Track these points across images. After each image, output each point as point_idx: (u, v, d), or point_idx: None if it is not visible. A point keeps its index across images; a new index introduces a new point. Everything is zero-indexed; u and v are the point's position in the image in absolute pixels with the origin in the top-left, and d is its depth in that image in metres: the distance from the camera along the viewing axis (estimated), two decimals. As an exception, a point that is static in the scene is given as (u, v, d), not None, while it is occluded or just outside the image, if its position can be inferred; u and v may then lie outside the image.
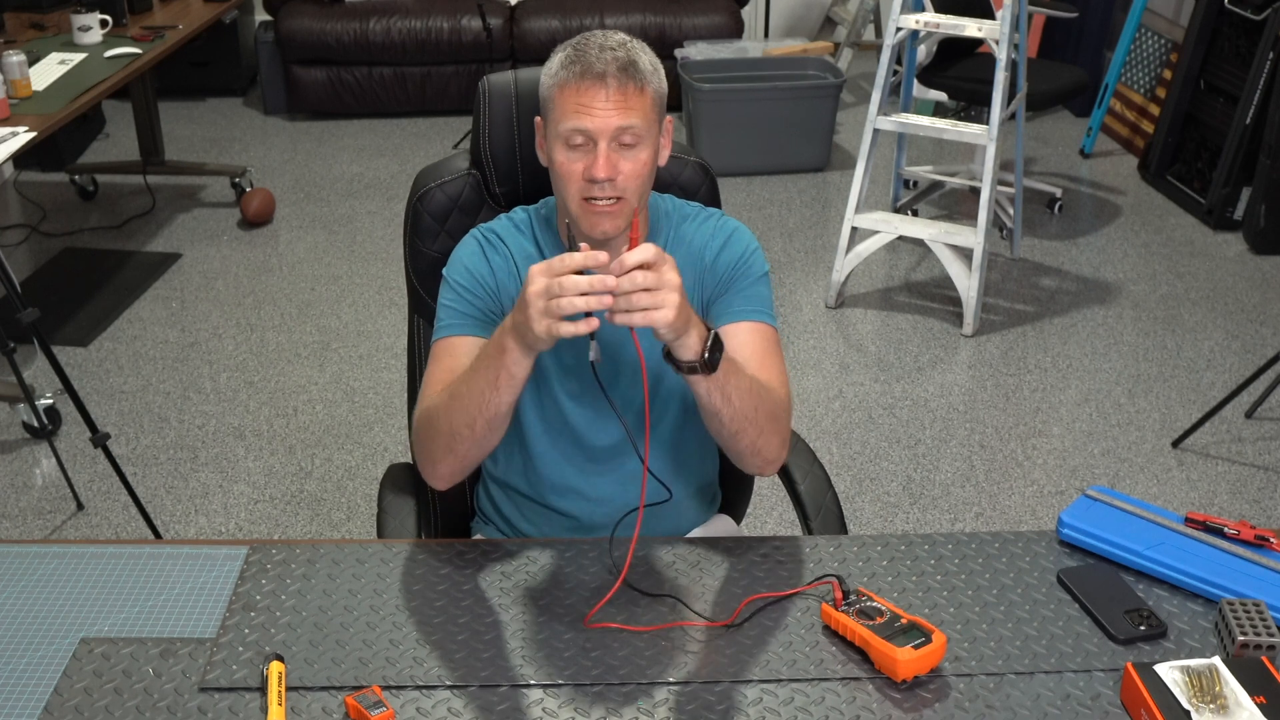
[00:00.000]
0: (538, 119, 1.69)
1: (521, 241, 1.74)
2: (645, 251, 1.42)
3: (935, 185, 4.97)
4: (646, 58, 1.63)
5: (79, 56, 3.93)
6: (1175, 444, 3.43)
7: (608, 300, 1.41)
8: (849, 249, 4.13)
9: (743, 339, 1.72)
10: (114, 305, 4.17)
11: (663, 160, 1.69)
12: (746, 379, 1.61)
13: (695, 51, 5.55)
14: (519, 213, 1.78)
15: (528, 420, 1.78)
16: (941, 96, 5.47)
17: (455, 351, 1.69)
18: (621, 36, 1.63)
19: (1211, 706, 1.32)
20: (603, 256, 1.43)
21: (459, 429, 1.61)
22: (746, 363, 1.69)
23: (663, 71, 1.66)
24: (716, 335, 1.54)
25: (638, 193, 1.62)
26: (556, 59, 1.62)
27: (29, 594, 1.55)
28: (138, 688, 1.40)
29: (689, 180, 1.91)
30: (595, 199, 1.60)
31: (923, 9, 4.22)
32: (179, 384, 3.71)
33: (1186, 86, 5.02)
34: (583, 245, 1.45)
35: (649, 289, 1.42)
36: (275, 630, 1.49)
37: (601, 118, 1.57)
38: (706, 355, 1.52)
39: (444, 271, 1.75)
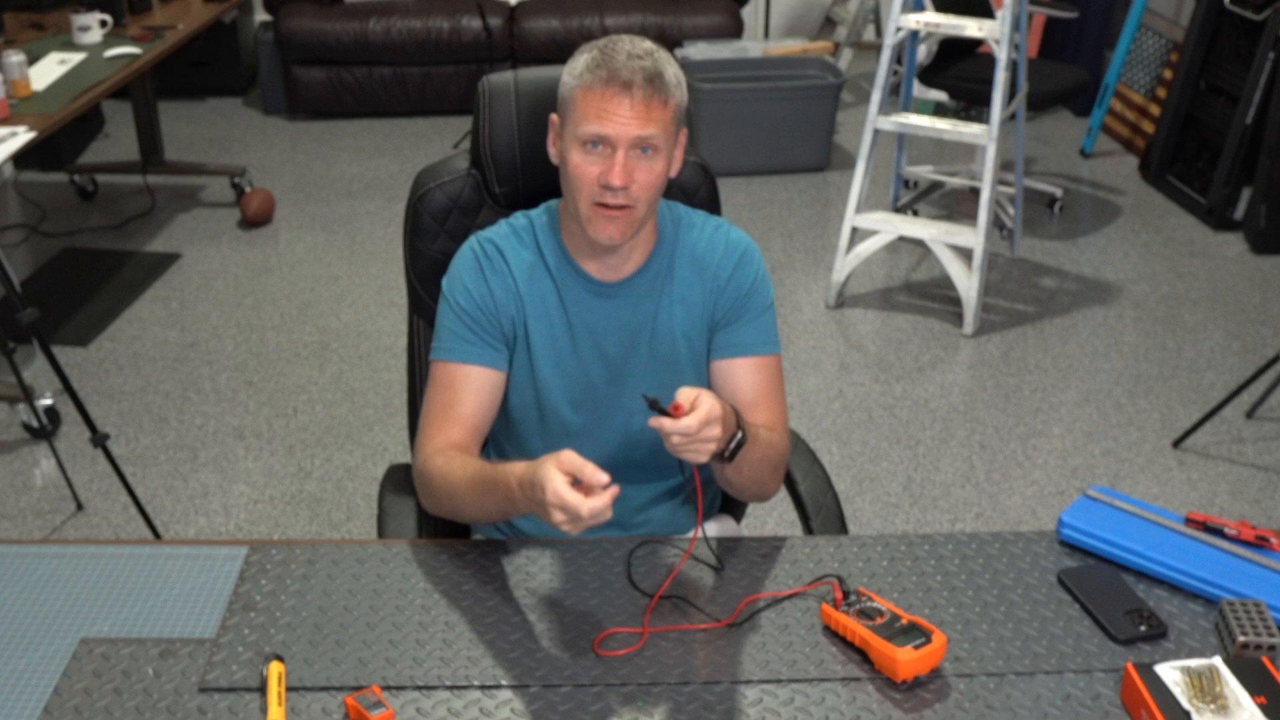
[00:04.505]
0: (553, 116, 1.68)
1: (521, 252, 1.73)
2: (687, 425, 1.45)
3: (935, 185, 4.97)
4: (671, 70, 1.62)
5: (79, 56, 3.93)
6: (1175, 444, 3.43)
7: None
8: (849, 249, 4.13)
9: (750, 378, 1.75)
10: (114, 305, 4.17)
11: (674, 172, 1.69)
12: (759, 450, 1.65)
13: (695, 51, 5.55)
14: (519, 218, 1.77)
15: (526, 424, 1.78)
16: (942, 96, 5.47)
17: (454, 383, 1.71)
18: (649, 45, 1.62)
19: (1212, 707, 1.32)
20: (606, 499, 1.42)
21: (460, 515, 1.69)
22: (753, 404, 1.74)
23: (685, 84, 1.65)
24: (743, 438, 1.58)
25: (648, 203, 1.62)
26: (582, 60, 1.61)
27: (29, 594, 1.55)
28: (138, 688, 1.40)
29: (689, 180, 1.90)
30: (606, 204, 1.60)
31: (923, 9, 4.22)
32: (179, 384, 3.71)
33: (1187, 86, 5.02)
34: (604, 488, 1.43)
35: (692, 445, 1.47)
36: (275, 630, 1.49)
37: (623, 125, 1.57)
38: (728, 454, 1.57)
39: (443, 284, 1.74)
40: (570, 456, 1.42)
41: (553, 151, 1.69)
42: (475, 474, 1.60)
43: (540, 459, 1.45)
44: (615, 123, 1.57)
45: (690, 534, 1.81)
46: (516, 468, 1.51)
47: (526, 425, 1.78)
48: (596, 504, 1.39)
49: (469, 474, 1.61)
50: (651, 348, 1.74)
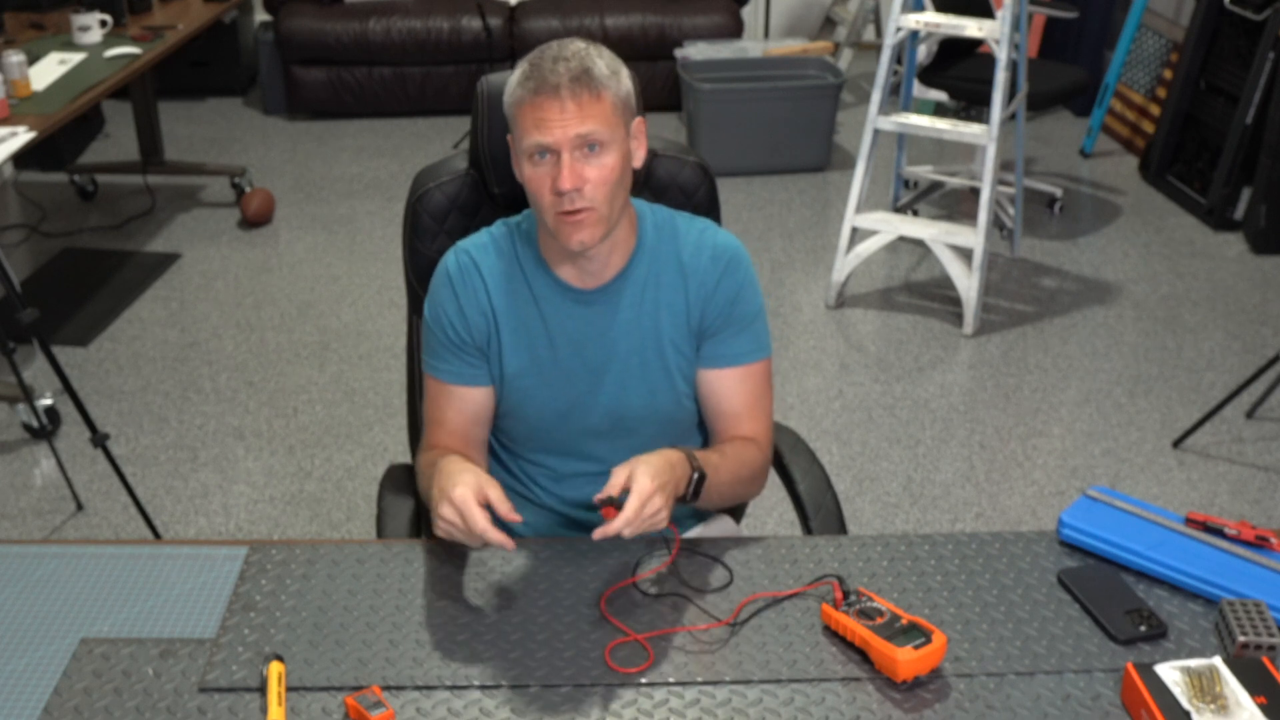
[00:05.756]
0: (509, 135, 1.67)
1: (496, 262, 1.73)
2: (624, 523, 1.47)
3: (935, 185, 4.97)
4: (603, 62, 1.60)
5: (79, 56, 3.93)
6: (1175, 444, 3.43)
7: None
8: (849, 249, 4.13)
9: (736, 389, 1.77)
10: (114, 305, 4.17)
11: (637, 162, 1.68)
12: (726, 475, 1.69)
13: (695, 51, 5.55)
14: (499, 227, 1.76)
15: (516, 433, 1.79)
16: (942, 96, 5.47)
17: (439, 399, 1.76)
18: (578, 45, 1.61)
19: (1212, 707, 1.32)
20: (509, 545, 1.49)
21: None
22: (738, 414, 1.77)
23: (625, 74, 1.64)
24: (701, 476, 1.61)
25: (608, 200, 1.61)
26: (515, 76, 1.61)
27: (29, 594, 1.55)
28: (138, 688, 1.40)
29: (688, 180, 1.90)
30: (567, 211, 1.59)
31: (923, 9, 4.22)
32: (179, 384, 3.71)
33: (1187, 86, 5.02)
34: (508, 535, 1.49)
35: (641, 525, 1.49)
36: (275, 630, 1.49)
37: (559, 130, 1.56)
38: (689, 497, 1.61)
39: (424, 302, 1.77)
40: (495, 487, 1.49)
41: (516, 170, 1.67)
42: (432, 476, 1.65)
43: (468, 468, 1.53)
44: (552, 129, 1.56)
45: (688, 534, 1.82)
46: (450, 465, 1.56)
47: (516, 434, 1.79)
48: (492, 535, 1.46)
49: (431, 475, 1.66)
50: (638, 354, 1.73)
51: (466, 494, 1.47)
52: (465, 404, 1.75)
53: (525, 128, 1.58)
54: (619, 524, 1.46)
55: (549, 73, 1.57)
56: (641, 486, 1.48)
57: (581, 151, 1.58)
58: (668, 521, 1.52)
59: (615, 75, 1.61)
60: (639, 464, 1.51)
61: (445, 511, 1.48)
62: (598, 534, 1.47)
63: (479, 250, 1.74)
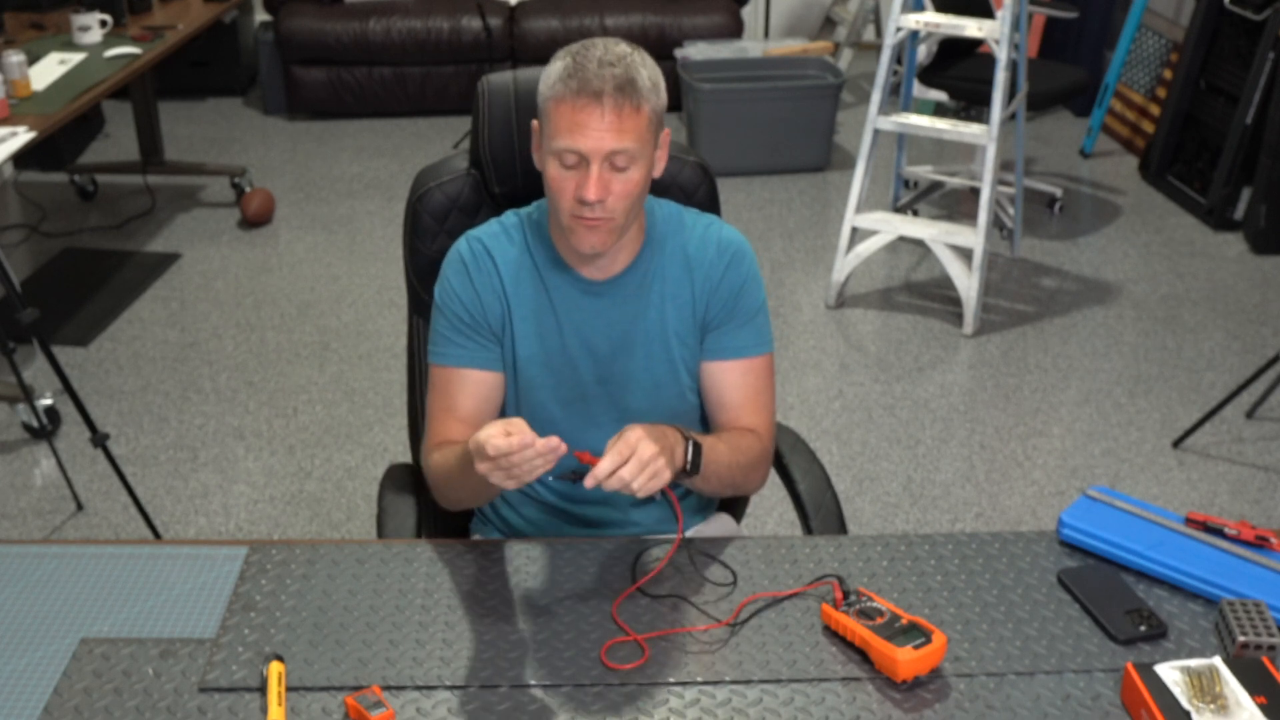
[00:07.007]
0: (535, 122, 1.67)
1: (509, 250, 1.73)
2: (613, 461, 1.45)
3: (935, 185, 4.97)
4: (646, 73, 1.59)
5: (79, 56, 3.93)
6: (1175, 444, 3.43)
7: (560, 453, 1.43)
8: (849, 249, 4.13)
9: (738, 381, 1.77)
10: (114, 305, 4.17)
11: (658, 172, 1.68)
12: (724, 455, 1.68)
13: (695, 51, 5.55)
14: (510, 217, 1.77)
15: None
16: (942, 96, 5.47)
17: (450, 387, 1.74)
18: (623, 49, 1.59)
19: (1212, 707, 1.32)
20: (554, 442, 1.43)
21: (461, 500, 1.73)
22: (739, 406, 1.76)
23: (663, 86, 1.62)
24: (696, 444, 1.60)
25: (627, 211, 1.61)
26: (556, 68, 1.59)
27: (29, 594, 1.55)
28: (138, 688, 1.40)
29: (688, 180, 1.90)
30: (585, 216, 1.60)
31: (923, 9, 4.22)
32: (179, 384, 3.71)
33: (1187, 86, 5.02)
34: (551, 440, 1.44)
35: (643, 472, 1.46)
36: (275, 630, 1.49)
37: (595, 139, 1.55)
38: (688, 467, 1.60)
39: (435, 288, 1.76)
40: (514, 420, 1.45)
41: (536, 157, 1.67)
42: (458, 455, 1.62)
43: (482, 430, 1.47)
44: (588, 137, 1.55)
45: (688, 533, 1.82)
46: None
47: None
48: (499, 441, 1.40)
49: (455, 456, 1.64)
50: (643, 346, 1.74)
51: (491, 431, 1.43)
52: (479, 388, 1.73)
53: (559, 127, 1.57)
54: (606, 464, 1.44)
55: (594, 76, 1.54)
56: (626, 435, 1.47)
57: (611, 164, 1.57)
58: (669, 476, 1.50)
59: (655, 88, 1.60)
60: (626, 427, 1.50)
61: (481, 467, 1.44)
62: (588, 480, 1.45)
63: (491, 238, 1.74)
